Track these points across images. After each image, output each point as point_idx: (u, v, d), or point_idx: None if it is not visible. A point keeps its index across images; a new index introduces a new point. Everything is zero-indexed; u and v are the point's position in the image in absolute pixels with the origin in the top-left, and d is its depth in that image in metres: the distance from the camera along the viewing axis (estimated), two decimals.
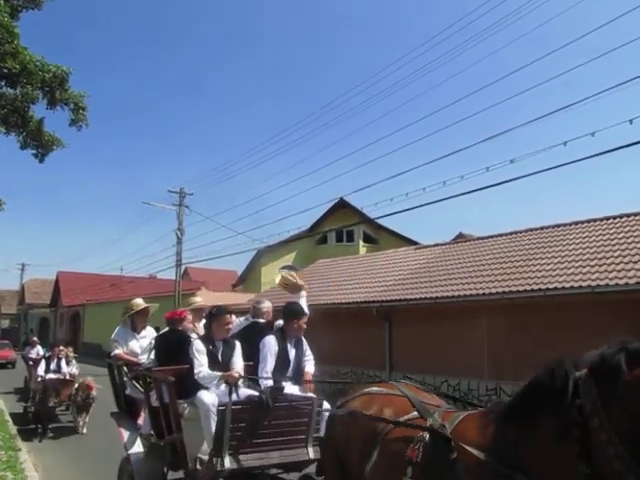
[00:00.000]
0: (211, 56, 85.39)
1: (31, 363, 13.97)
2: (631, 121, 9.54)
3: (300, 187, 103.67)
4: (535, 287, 12.02)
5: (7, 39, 8.52)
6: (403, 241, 29.94)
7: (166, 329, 5.89)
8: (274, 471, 4.98)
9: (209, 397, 4.57)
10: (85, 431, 11.03)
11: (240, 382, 4.76)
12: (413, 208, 14.43)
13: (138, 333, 6.47)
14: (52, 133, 9.89)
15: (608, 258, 12.03)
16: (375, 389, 3.74)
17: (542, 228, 15.95)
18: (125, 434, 5.76)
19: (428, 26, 70.71)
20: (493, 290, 12.87)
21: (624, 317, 10.49)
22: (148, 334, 6.49)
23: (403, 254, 20.37)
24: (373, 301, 15.84)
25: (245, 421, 4.50)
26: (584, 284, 11.26)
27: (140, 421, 5.93)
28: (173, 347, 5.36)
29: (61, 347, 12.97)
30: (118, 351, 6.26)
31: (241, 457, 4.47)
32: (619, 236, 13.10)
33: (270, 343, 4.99)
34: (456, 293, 13.75)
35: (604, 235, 13.55)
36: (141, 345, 6.37)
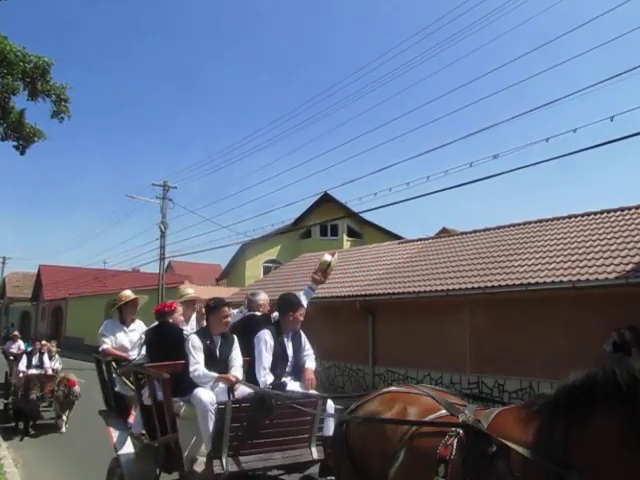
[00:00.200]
0: (196, 50, 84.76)
1: (12, 358, 13.74)
2: (612, 118, 9.70)
3: (284, 181, 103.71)
4: (517, 282, 12.15)
5: None
6: (387, 235, 30.05)
7: (155, 323, 5.54)
8: (274, 472, 4.72)
9: (207, 395, 4.35)
10: (64, 430, 10.51)
11: (239, 375, 4.58)
12: (397, 203, 14.70)
13: (127, 326, 6.20)
14: (33, 125, 9.79)
15: (589, 254, 12.19)
16: (395, 388, 3.62)
17: (525, 223, 16.12)
18: (114, 434, 5.43)
19: (413, 21, 70.80)
20: (475, 285, 12.99)
21: (604, 312, 10.68)
22: (138, 327, 6.21)
23: (387, 248, 20.47)
24: (357, 295, 15.91)
25: (245, 420, 4.23)
26: (565, 279, 11.39)
27: (131, 420, 5.65)
28: (165, 341, 5.10)
29: (43, 341, 12.77)
30: (107, 346, 5.98)
31: (242, 458, 4.23)
32: (600, 232, 13.28)
33: (264, 338, 4.68)
34: (439, 288, 13.86)
35: (585, 231, 13.73)
36: (131, 339, 6.11)
